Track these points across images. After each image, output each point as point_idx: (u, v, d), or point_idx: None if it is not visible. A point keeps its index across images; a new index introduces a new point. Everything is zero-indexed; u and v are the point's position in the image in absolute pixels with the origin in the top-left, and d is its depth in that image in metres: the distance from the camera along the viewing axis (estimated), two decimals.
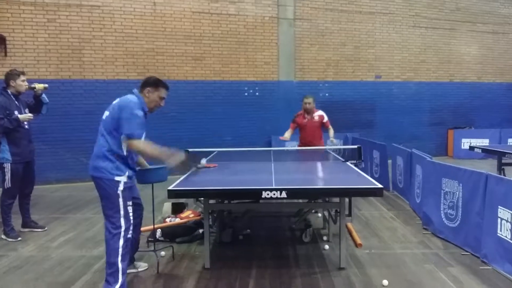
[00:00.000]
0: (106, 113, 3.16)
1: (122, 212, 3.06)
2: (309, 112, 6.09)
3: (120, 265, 3.04)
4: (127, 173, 3.10)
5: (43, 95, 4.81)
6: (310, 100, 6.06)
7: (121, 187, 3.04)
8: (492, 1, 11.66)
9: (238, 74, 9.52)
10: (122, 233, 3.06)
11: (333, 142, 6.10)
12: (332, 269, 3.68)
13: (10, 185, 4.56)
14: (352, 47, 10.50)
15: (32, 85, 4.68)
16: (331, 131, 6.12)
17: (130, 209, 3.13)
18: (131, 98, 3.16)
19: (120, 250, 3.04)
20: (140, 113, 3.09)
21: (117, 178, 3.04)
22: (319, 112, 6.16)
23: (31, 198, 5.05)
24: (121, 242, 3.05)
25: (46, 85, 4.77)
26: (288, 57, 9.92)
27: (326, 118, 6.14)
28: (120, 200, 3.05)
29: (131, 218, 3.16)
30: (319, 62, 10.25)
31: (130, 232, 3.15)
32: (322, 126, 6.15)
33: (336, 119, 6.26)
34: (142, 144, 3.06)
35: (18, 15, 7.82)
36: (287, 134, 6.09)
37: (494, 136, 10.73)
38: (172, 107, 8.34)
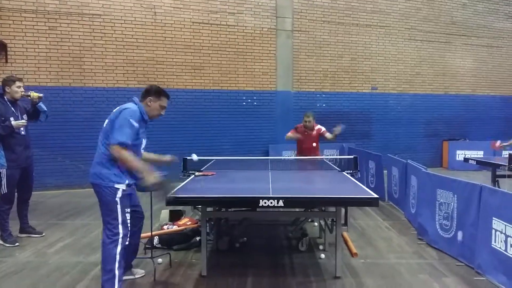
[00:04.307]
0: (106, 121, 3.19)
1: (120, 219, 3.08)
2: (309, 128, 6.21)
3: (116, 272, 3.04)
4: (126, 181, 3.12)
5: (41, 104, 4.80)
6: (310, 118, 6.17)
7: (119, 194, 3.06)
8: (487, 15, 11.87)
9: (236, 84, 9.61)
10: (120, 240, 3.08)
11: (338, 130, 6.01)
12: (327, 278, 3.71)
13: (6, 191, 4.56)
14: (348, 59, 10.64)
15: (28, 93, 4.69)
16: (329, 134, 6.19)
17: (128, 216, 3.16)
18: (130, 106, 3.19)
19: (117, 257, 3.05)
20: (134, 123, 3.07)
21: (116, 186, 3.07)
22: (317, 127, 6.29)
23: (29, 203, 5.05)
24: (119, 249, 3.06)
25: (41, 95, 4.76)
26: (286, 67, 10.03)
27: (323, 129, 6.27)
28: (118, 207, 3.07)
29: (129, 225, 3.19)
30: (316, 73, 10.37)
31: (128, 239, 3.17)
32: (320, 136, 6.27)
33: (333, 129, 6.33)
34: (125, 153, 3.00)
35: (20, 22, 7.89)
36: (292, 135, 6.25)
37: (488, 148, 10.81)
38: (171, 115, 8.40)
